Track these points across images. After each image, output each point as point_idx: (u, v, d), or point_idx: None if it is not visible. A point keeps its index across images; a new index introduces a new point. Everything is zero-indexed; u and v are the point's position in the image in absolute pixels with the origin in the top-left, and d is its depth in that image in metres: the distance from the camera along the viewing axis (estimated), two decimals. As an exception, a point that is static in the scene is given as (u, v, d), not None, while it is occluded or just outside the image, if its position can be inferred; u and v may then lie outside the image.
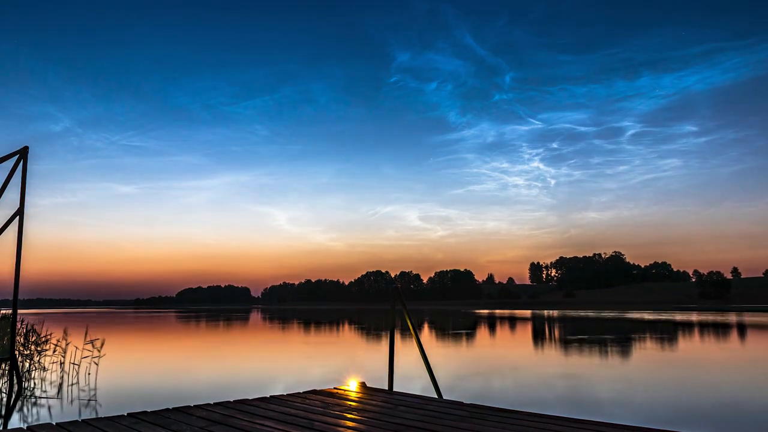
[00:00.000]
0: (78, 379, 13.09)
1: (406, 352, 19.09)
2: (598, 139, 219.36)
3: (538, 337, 29.52)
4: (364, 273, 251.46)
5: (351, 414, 6.09)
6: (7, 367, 11.86)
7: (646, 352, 20.18)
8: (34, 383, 12.31)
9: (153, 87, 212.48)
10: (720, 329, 35.55)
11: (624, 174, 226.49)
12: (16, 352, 10.93)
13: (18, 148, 7.41)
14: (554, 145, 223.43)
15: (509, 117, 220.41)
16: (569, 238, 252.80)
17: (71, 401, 10.29)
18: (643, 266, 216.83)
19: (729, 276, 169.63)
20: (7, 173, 7.30)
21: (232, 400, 6.85)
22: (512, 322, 49.34)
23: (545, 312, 59.47)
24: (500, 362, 17.73)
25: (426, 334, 31.49)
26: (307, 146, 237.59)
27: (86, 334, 17.13)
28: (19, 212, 6.90)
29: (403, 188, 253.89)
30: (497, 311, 69.87)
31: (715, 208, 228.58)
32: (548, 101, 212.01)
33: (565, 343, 24.57)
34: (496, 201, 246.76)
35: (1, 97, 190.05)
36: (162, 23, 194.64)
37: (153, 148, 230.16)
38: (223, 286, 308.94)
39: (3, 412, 9.18)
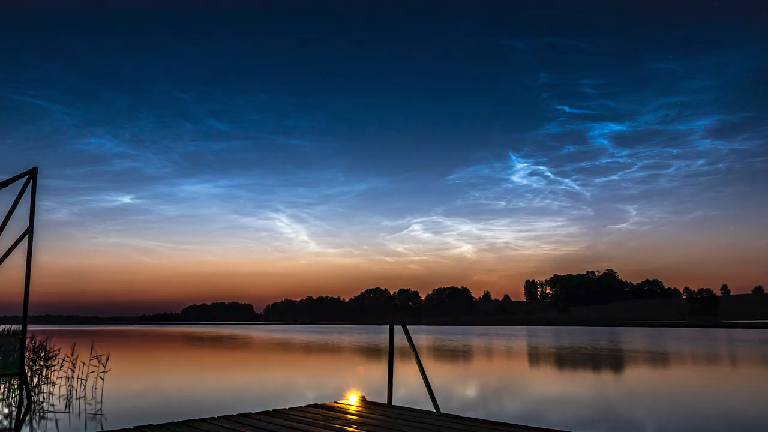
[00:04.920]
0: (85, 393, 13.27)
1: (405, 367, 19.17)
2: (590, 151, 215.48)
3: (533, 354, 29.49)
4: (364, 290, 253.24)
5: (351, 427, 6.26)
6: (17, 382, 12.08)
7: (638, 368, 20.19)
8: (43, 397, 12.50)
9: (161, 96, 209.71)
10: (710, 345, 35.37)
11: (619, 190, 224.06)
12: (26, 367, 11.14)
13: (28, 169, 7.68)
14: (544, 156, 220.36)
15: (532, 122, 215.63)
16: (563, 255, 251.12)
17: (78, 415, 10.47)
18: (635, 283, 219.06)
19: (719, 293, 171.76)
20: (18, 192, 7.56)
21: (235, 414, 7.03)
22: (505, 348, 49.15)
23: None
24: (497, 377, 17.80)
25: (424, 350, 31.51)
26: (313, 157, 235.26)
27: (92, 349, 17.34)
28: (29, 231, 7.14)
29: (409, 201, 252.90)
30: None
31: (706, 225, 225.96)
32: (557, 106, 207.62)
33: (559, 360, 24.58)
34: (498, 215, 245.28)
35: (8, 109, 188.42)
36: (182, 38, 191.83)
37: (157, 161, 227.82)
38: (227, 303, 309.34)
39: (13, 425, 9.39)
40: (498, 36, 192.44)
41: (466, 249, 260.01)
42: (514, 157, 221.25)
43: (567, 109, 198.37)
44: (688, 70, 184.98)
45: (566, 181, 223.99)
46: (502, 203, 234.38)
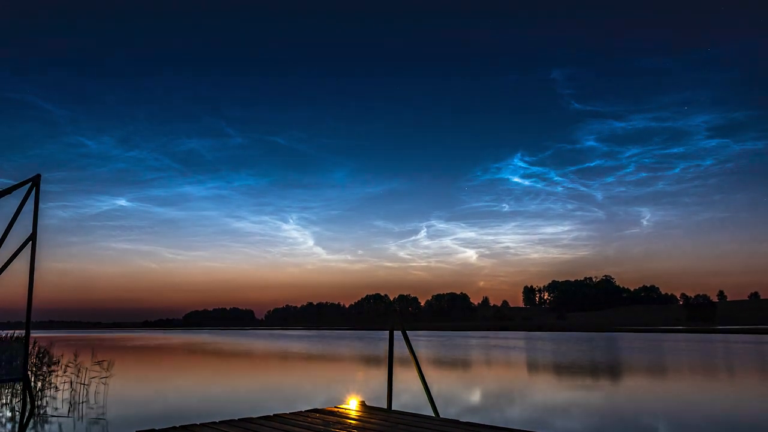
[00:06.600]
0: (88, 398, 13.34)
1: (405, 373, 19.20)
2: (592, 151, 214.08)
3: (532, 359, 29.48)
4: (364, 296, 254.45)
5: (351, 432, 6.32)
6: (20, 387, 12.15)
7: (636, 373, 20.19)
8: (46, 402, 12.58)
9: (159, 95, 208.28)
10: (707, 350, 35.28)
11: (616, 196, 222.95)
12: (29, 373, 11.22)
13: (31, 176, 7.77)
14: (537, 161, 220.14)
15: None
16: (561, 261, 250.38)
17: (81, 419, 10.55)
18: (632, 289, 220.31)
19: (715, 299, 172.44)
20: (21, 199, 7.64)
21: (236, 419, 7.08)
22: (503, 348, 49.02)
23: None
24: (495, 383, 17.81)
25: (423, 356, 31.53)
26: (315, 161, 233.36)
27: (93, 354, 17.43)
28: (32, 238, 7.22)
29: (411, 205, 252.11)
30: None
31: (702, 231, 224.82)
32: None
33: (557, 366, 24.58)
34: (500, 219, 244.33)
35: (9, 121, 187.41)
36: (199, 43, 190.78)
37: (155, 163, 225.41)
38: (228, 308, 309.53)
39: (17, 430, 9.45)
40: (498, 35, 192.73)
41: (467, 254, 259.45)
42: (517, 160, 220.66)
43: (575, 105, 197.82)
44: (693, 66, 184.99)
45: (570, 184, 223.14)
46: (505, 207, 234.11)
